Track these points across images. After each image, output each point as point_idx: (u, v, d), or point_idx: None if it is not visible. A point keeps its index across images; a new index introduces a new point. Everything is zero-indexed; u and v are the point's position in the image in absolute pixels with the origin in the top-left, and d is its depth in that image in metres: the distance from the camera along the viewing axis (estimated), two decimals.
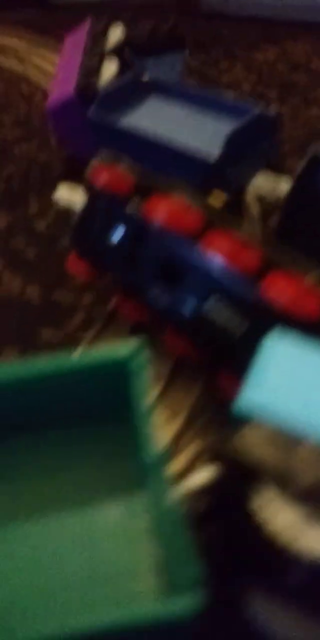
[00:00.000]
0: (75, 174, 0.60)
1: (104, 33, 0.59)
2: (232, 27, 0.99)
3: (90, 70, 0.55)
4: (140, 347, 0.25)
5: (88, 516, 0.24)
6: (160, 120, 0.47)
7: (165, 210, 0.31)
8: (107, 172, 0.34)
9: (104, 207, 0.34)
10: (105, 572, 0.23)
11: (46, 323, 0.47)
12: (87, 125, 0.53)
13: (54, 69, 0.91)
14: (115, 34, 0.59)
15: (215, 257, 0.29)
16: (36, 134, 0.74)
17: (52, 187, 0.63)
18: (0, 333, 0.46)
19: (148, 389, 0.24)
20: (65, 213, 0.58)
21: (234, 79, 0.82)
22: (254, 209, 0.48)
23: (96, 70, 0.55)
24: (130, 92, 0.51)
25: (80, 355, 0.25)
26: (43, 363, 0.25)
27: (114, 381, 0.25)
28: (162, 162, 0.42)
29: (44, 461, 0.26)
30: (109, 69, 0.56)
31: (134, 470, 0.25)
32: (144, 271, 0.33)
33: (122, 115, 0.48)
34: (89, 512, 0.24)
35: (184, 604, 0.18)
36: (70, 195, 0.37)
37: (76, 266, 0.37)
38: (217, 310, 0.29)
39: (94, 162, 0.36)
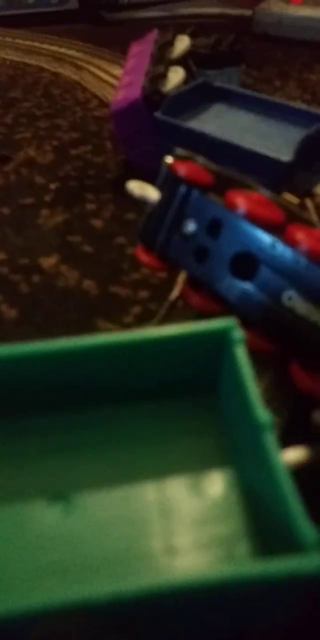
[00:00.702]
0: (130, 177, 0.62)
1: (170, 42, 0.60)
2: (284, 48, 1.00)
3: (157, 76, 0.57)
4: (234, 322, 0.25)
5: (162, 490, 0.24)
6: (228, 124, 0.48)
7: (249, 200, 0.31)
8: (187, 164, 0.34)
9: (183, 195, 0.34)
10: (186, 542, 0.23)
11: (103, 315, 0.47)
12: (149, 130, 0.55)
13: (107, 78, 0.94)
14: (182, 44, 0.60)
15: (298, 248, 0.29)
16: (91, 138, 0.76)
17: (108, 188, 0.64)
18: (58, 324, 0.47)
19: (248, 359, 0.24)
20: (120, 212, 0.59)
21: (287, 97, 0.83)
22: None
23: (162, 76, 0.57)
24: (197, 97, 0.52)
25: (172, 327, 0.25)
26: (129, 335, 0.25)
27: (206, 353, 0.26)
28: (232, 164, 0.42)
29: (119, 435, 0.26)
30: (174, 77, 0.57)
31: (214, 447, 0.25)
32: (218, 262, 0.33)
33: (190, 118, 0.49)
34: (163, 486, 0.25)
35: (314, 562, 0.18)
36: (142, 188, 0.37)
37: (144, 257, 0.38)
38: (297, 303, 0.30)
39: (168, 158, 0.37)
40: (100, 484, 0.24)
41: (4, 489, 0.24)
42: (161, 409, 0.27)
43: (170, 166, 0.35)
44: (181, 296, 0.41)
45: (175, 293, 0.45)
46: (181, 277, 0.47)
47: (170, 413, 0.27)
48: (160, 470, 0.25)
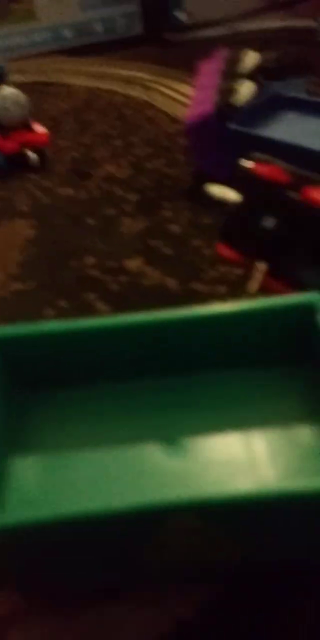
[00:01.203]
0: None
1: (239, 58, 0.65)
2: None
3: (228, 90, 0.61)
4: None
5: (253, 444, 0.28)
6: (298, 130, 0.52)
7: None
8: (267, 165, 0.39)
9: (263, 193, 0.39)
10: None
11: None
12: (221, 141, 0.59)
13: (174, 96, 1.00)
14: (251, 59, 0.65)
15: None
16: (164, 152, 0.82)
17: (183, 197, 0.69)
18: None
19: None
20: (195, 218, 0.64)
21: None
22: None
23: (233, 90, 0.61)
24: (268, 107, 0.56)
25: (264, 299, 0.30)
26: (224, 307, 0.30)
27: (296, 324, 0.30)
28: (303, 167, 0.46)
29: (217, 396, 0.31)
30: (245, 90, 0.62)
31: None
32: (299, 254, 0.38)
33: (262, 127, 0.54)
34: (254, 441, 0.29)
35: None
36: (222, 191, 0.42)
37: (226, 252, 0.42)
38: None
39: (247, 162, 0.41)
40: (202, 433, 0.29)
41: (124, 436, 0.29)
42: (254, 376, 0.31)
43: (250, 169, 0.39)
44: (260, 288, 0.45)
45: (253, 285, 0.49)
46: (257, 272, 0.51)
47: (263, 380, 0.31)
48: (252, 427, 0.29)
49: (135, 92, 1.06)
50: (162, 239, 0.62)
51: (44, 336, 0.30)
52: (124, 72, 1.16)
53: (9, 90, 0.76)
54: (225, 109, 0.59)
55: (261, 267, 0.45)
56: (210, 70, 0.69)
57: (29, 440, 0.29)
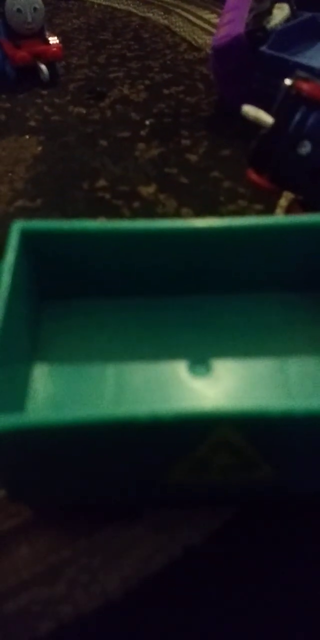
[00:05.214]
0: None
1: None
2: None
3: (261, 13, 0.57)
4: None
5: (286, 369, 0.27)
6: None
7: None
8: (310, 83, 0.36)
9: (302, 115, 0.36)
10: None
11: None
12: (250, 67, 0.56)
13: (197, 22, 0.94)
14: None
15: None
16: (183, 79, 0.77)
17: (202, 126, 0.66)
18: None
19: None
20: (214, 149, 0.61)
21: None
22: None
23: (266, 13, 0.57)
24: (303, 33, 0.52)
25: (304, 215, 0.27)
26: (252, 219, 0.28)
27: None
28: None
29: (251, 320, 0.29)
30: (279, 14, 0.57)
31: None
32: None
33: (296, 54, 0.50)
34: (286, 366, 0.27)
35: None
36: (257, 111, 0.39)
37: (256, 178, 0.40)
38: None
39: (288, 80, 0.38)
40: (232, 355, 0.27)
41: (151, 352, 0.27)
42: (288, 301, 0.29)
43: (291, 87, 0.36)
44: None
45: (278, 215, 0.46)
46: (280, 208, 0.49)
47: (296, 305, 0.29)
48: (285, 351, 0.27)
49: (154, 15, 1.00)
50: (179, 167, 0.59)
51: (74, 234, 0.28)
52: None
53: None
54: (257, 32, 0.55)
55: (288, 196, 0.42)
56: None
57: (53, 349, 0.28)
